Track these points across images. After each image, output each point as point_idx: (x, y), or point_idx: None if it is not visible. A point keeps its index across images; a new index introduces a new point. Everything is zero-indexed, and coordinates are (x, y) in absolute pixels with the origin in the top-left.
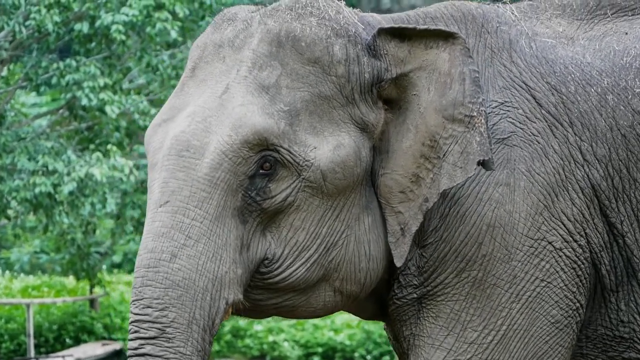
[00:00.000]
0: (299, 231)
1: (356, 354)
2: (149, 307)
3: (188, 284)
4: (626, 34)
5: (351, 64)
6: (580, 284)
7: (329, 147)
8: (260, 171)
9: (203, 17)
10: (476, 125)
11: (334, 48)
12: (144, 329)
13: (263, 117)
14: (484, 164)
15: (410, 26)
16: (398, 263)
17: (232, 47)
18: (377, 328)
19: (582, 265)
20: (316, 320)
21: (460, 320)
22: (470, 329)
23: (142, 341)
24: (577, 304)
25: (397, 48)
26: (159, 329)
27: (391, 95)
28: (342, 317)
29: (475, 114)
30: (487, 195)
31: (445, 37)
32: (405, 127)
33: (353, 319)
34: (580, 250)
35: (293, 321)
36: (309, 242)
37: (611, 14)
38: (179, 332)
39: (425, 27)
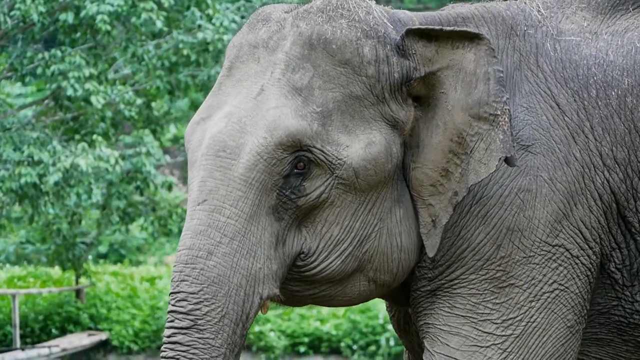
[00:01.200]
0: (333, 225)
1: (342, 344)
2: (184, 300)
3: (223, 280)
4: None
5: (381, 64)
6: (589, 290)
7: (360, 145)
8: (295, 170)
9: (188, 7)
10: (500, 123)
11: (364, 49)
12: (178, 319)
13: (296, 119)
14: (507, 161)
15: (437, 27)
16: (430, 253)
17: (266, 48)
18: (363, 318)
19: (594, 272)
20: (302, 310)
21: (477, 312)
22: (489, 322)
23: (175, 330)
24: (585, 310)
25: (425, 48)
26: (192, 320)
27: (420, 92)
28: (328, 307)
29: (499, 112)
30: (509, 200)
31: (470, 38)
32: (434, 123)
33: (339, 308)
34: (595, 257)
35: (279, 311)
36: (344, 236)
37: (633, 9)
38: (210, 325)
39: (451, 28)
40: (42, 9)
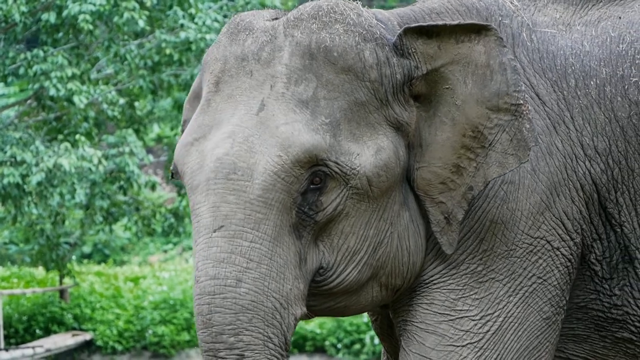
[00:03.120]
0: (349, 236)
1: (327, 343)
2: (222, 333)
3: (257, 306)
4: (620, 18)
5: (382, 67)
6: (568, 281)
7: (370, 152)
8: (312, 186)
9: (171, 7)
10: (524, 112)
11: (365, 54)
12: (222, 357)
13: (310, 134)
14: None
15: (439, 23)
16: (449, 250)
17: (258, 60)
18: (347, 317)
19: (574, 262)
20: None
21: (455, 309)
22: (467, 318)
23: None
24: (564, 301)
25: (425, 45)
26: (238, 354)
27: (421, 91)
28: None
29: (521, 101)
30: (492, 192)
31: (477, 30)
32: (437, 120)
33: None
34: (575, 247)
35: None
36: (359, 245)
37: None
38: (257, 353)
39: (456, 22)
40: (24, 8)
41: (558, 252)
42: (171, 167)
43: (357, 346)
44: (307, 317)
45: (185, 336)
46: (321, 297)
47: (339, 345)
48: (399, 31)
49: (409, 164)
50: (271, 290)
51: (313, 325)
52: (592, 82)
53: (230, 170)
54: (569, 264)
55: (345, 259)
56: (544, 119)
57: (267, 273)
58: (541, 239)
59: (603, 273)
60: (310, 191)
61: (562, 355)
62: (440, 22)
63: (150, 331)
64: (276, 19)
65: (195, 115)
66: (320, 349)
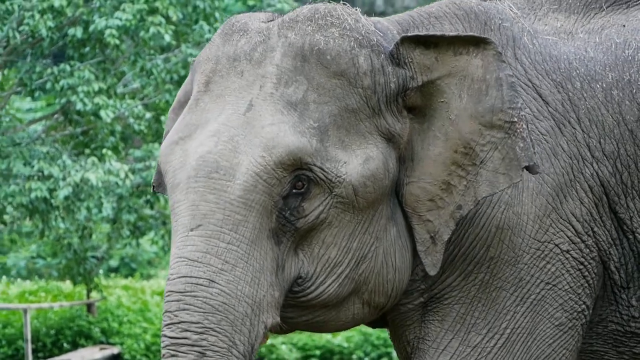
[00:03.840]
0: (330, 247)
1: (354, 357)
2: (187, 330)
3: (227, 309)
4: (624, 26)
5: (377, 75)
6: (586, 284)
7: (358, 161)
8: (294, 191)
9: (197, 21)
10: (517, 130)
11: (359, 59)
12: (182, 352)
13: (296, 136)
14: (529, 169)
15: (437, 34)
16: (432, 272)
17: (250, 61)
18: (374, 330)
19: (589, 266)
20: None
21: (465, 324)
22: (474, 333)
23: None
24: (583, 306)
25: (422, 55)
26: (199, 352)
27: (415, 103)
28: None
29: (515, 119)
30: (496, 197)
31: (476, 43)
32: (431, 134)
33: None
34: (588, 250)
35: None
36: (341, 258)
37: (606, 7)
38: (219, 356)
39: (454, 34)
40: (50, 24)
41: (568, 255)
42: (152, 180)
43: None
44: (283, 330)
45: None
46: (299, 309)
47: (366, 359)
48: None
49: (399, 178)
50: (244, 295)
51: (340, 339)
52: (597, 86)
53: (212, 169)
54: (581, 267)
55: (326, 271)
56: (548, 119)
57: (242, 277)
58: (549, 242)
59: (621, 282)
60: (292, 196)
61: None
62: (438, 33)
63: None
64: (272, 21)
65: (182, 114)
66: None
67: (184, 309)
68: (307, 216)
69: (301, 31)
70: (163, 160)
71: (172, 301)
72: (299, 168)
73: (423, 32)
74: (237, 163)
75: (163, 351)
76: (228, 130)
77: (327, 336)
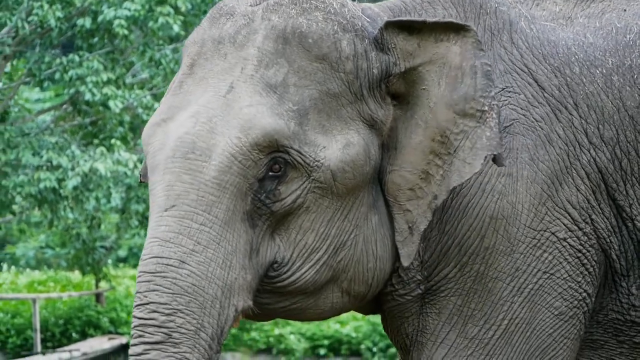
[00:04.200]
0: (308, 233)
1: (362, 346)
2: (155, 311)
3: (197, 290)
4: (625, 10)
5: (359, 60)
6: (586, 272)
7: (338, 146)
8: (270, 173)
9: (205, 12)
10: (487, 120)
11: (342, 44)
12: (149, 333)
13: (273, 118)
14: (494, 160)
15: (419, 19)
16: (405, 263)
17: (233, 43)
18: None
19: (588, 253)
20: None
21: (462, 316)
22: (471, 324)
23: (147, 346)
24: (584, 294)
25: (405, 41)
26: (166, 333)
27: (399, 89)
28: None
29: (486, 108)
30: (489, 186)
31: (456, 29)
32: (414, 122)
33: None
34: (586, 237)
35: None
36: (318, 244)
37: None
38: (186, 338)
39: (435, 19)
40: (59, 14)
41: (565, 243)
42: (140, 170)
43: (392, 350)
44: (260, 316)
45: None
46: (276, 294)
47: (375, 349)
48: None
49: (382, 166)
50: (214, 277)
51: (349, 329)
52: (597, 71)
53: (189, 150)
54: (580, 254)
55: (302, 256)
56: (543, 105)
57: (213, 258)
58: (545, 231)
59: (622, 270)
60: (268, 178)
61: None
62: (419, 19)
63: None
64: (259, 4)
65: (166, 96)
66: (355, 353)
67: (154, 290)
68: (284, 200)
69: (285, 14)
70: (145, 142)
71: (143, 282)
72: (276, 150)
73: (406, 18)
74: (213, 144)
75: (132, 331)
76: (207, 111)
77: (335, 326)
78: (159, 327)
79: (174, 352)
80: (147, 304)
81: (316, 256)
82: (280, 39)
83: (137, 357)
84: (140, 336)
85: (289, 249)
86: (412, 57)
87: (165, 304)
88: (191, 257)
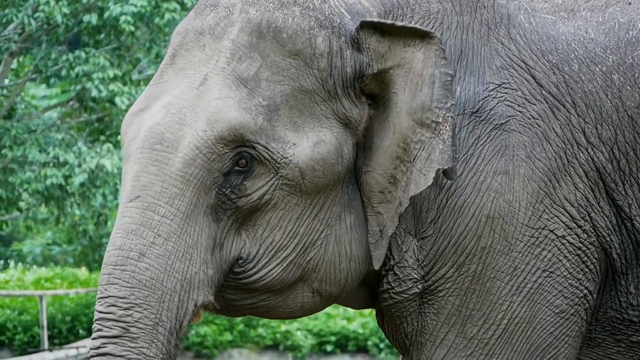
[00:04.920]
0: (275, 230)
1: (369, 342)
2: (113, 305)
3: (155, 284)
4: (629, 3)
5: (334, 57)
6: (586, 270)
7: (309, 143)
8: (236, 168)
9: None
10: (441, 132)
11: (317, 40)
12: (107, 327)
13: (239, 112)
14: (445, 173)
15: (388, 22)
16: (376, 266)
17: (212, 35)
18: None
19: (588, 251)
20: (329, 309)
21: (460, 316)
22: (470, 324)
23: (105, 340)
24: (585, 291)
25: (378, 43)
26: (123, 327)
27: (374, 90)
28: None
29: (440, 120)
30: (485, 185)
31: (421, 36)
32: (386, 124)
33: None
34: (585, 235)
35: None
36: (286, 242)
37: None
38: (143, 333)
39: (403, 24)
40: (65, 10)
41: (564, 241)
42: None
43: None
44: (228, 313)
45: (227, 336)
46: (242, 291)
47: (382, 345)
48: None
49: (358, 166)
50: (174, 270)
51: (355, 325)
52: (597, 69)
53: (157, 141)
54: (579, 252)
55: (269, 254)
56: (540, 102)
57: (173, 251)
58: (543, 229)
59: (622, 268)
60: (234, 173)
61: None
62: (389, 21)
63: (192, 331)
64: None
65: (148, 87)
66: (362, 349)
67: (113, 283)
68: (250, 195)
69: (262, 8)
70: (122, 131)
71: (104, 274)
72: (241, 145)
73: (377, 19)
74: (181, 136)
75: (93, 325)
76: (179, 102)
77: (342, 322)
78: (117, 321)
79: (131, 347)
80: (107, 297)
81: (283, 254)
82: (255, 32)
83: (96, 351)
84: (99, 330)
85: (255, 246)
86: (384, 59)
87: (124, 297)
88: (151, 250)
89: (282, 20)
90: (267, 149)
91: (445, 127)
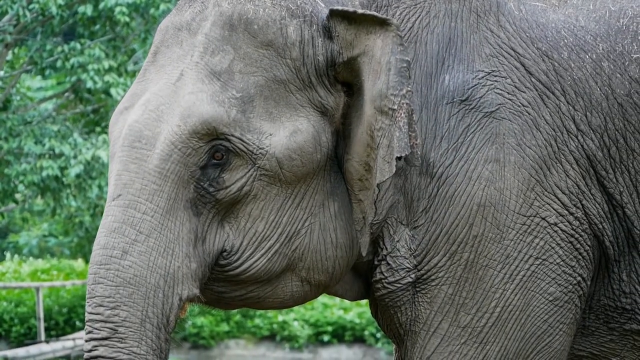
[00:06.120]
0: (257, 221)
1: (366, 332)
2: (100, 305)
3: (139, 281)
4: None
5: (306, 46)
6: (579, 257)
7: (285, 133)
8: (213, 161)
9: None
10: (397, 119)
11: (288, 30)
12: (96, 329)
13: (212, 106)
14: (406, 160)
15: (351, 10)
16: (363, 252)
17: (189, 30)
18: None
19: (581, 238)
20: (325, 299)
21: (453, 304)
22: (464, 313)
23: (96, 342)
24: (578, 278)
25: (346, 31)
26: (111, 328)
27: (347, 78)
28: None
29: (396, 106)
30: (476, 174)
31: (380, 23)
32: (361, 112)
33: None
34: (577, 222)
35: None
36: (269, 232)
37: None
38: (131, 332)
39: (363, 11)
40: (60, 1)
41: (556, 228)
42: None
43: None
44: (220, 306)
45: (224, 327)
46: (230, 283)
47: (378, 335)
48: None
49: (340, 154)
50: (156, 266)
51: (352, 315)
52: (587, 57)
53: (135, 138)
54: (572, 239)
55: (253, 245)
56: (530, 90)
57: (155, 247)
58: (535, 216)
59: (614, 255)
60: (211, 166)
61: None
62: (351, 9)
63: (189, 322)
64: None
65: (133, 85)
66: (359, 339)
67: (99, 283)
68: (229, 188)
69: (235, 0)
70: (109, 130)
71: (90, 274)
72: (216, 138)
73: (342, 7)
74: (158, 132)
75: (85, 326)
76: (157, 99)
77: (339, 312)
78: (105, 322)
79: (120, 348)
80: (94, 297)
81: (267, 244)
82: (227, 25)
83: (88, 354)
84: (89, 332)
85: (239, 237)
86: (351, 47)
87: (109, 296)
88: (133, 247)
89: (253, 12)
90: (242, 140)
91: (401, 114)
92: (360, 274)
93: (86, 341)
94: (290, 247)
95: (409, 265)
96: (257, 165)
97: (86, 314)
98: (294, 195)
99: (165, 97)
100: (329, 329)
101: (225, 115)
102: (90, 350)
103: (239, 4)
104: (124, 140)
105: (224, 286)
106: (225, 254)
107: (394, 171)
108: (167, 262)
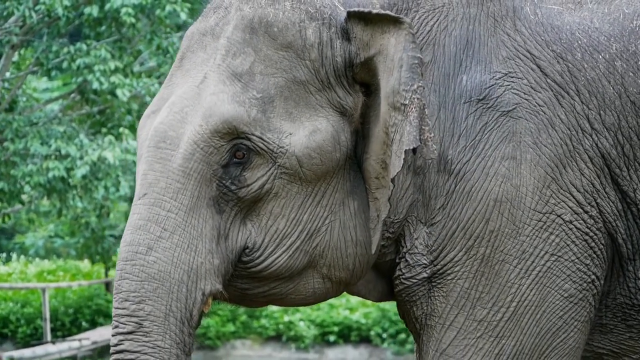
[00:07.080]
0: (279, 218)
1: (372, 332)
2: (126, 300)
3: (163, 276)
4: None
5: (324, 48)
6: (594, 255)
7: (304, 132)
8: (234, 160)
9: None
10: (408, 114)
11: (307, 32)
12: (122, 323)
13: (232, 105)
14: (422, 154)
15: (366, 10)
16: (372, 250)
17: (212, 35)
18: (392, 306)
19: (595, 236)
20: (331, 300)
21: (470, 298)
22: (480, 307)
23: (121, 337)
24: (593, 276)
25: (362, 32)
26: (136, 322)
27: (365, 78)
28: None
29: (407, 102)
30: (493, 170)
31: (393, 22)
32: (378, 111)
33: None
34: (592, 221)
35: None
36: (290, 229)
37: None
38: (155, 326)
39: (377, 11)
40: (66, 2)
41: (571, 226)
42: None
43: (402, 336)
44: (243, 303)
45: (230, 327)
46: (253, 280)
47: (384, 335)
48: None
49: (359, 153)
50: (180, 262)
51: (358, 315)
52: (600, 57)
53: (160, 139)
54: (587, 237)
55: (274, 242)
56: (546, 90)
57: (179, 243)
58: (550, 213)
59: (628, 253)
60: (233, 165)
61: (587, 347)
62: (366, 10)
63: None
64: None
65: (160, 89)
66: (365, 339)
67: (125, 278)
68: (250, 186)
69: (255, 4)
70: (137, 134)
71: (118, 270)
72: (237, 137)
73: (360, 9)
74: (182, 133)
75: (112, 321)
76: (181, 101)
77: (345, 312)
78: (130, 316)
79: (145, 342)
80: (120, 292)
81: (288, 241)
82: (248, 28)
83: (114, 348)
84: (116, 327)
85: (261, 235)
86: (368, 48)
87: (135, 291)
88: (158, 244)
89: (274, 15)
90: (263, 139)
91: (412, 108)
92: (383, 273)
93: (113, 335)
94: (311, 244)
95: (425, 262)
96: (277, 163)
97: (113, 309)
98: (314, 194)
99: (189, 99)
100: (335, 329)
101: (246, 114)
102: (116, 345)
103: (260, 8)
104: (150, 142)
105: (247, 283)
106: (247, 250)
107: (402, 165)
108: (190, 258)
